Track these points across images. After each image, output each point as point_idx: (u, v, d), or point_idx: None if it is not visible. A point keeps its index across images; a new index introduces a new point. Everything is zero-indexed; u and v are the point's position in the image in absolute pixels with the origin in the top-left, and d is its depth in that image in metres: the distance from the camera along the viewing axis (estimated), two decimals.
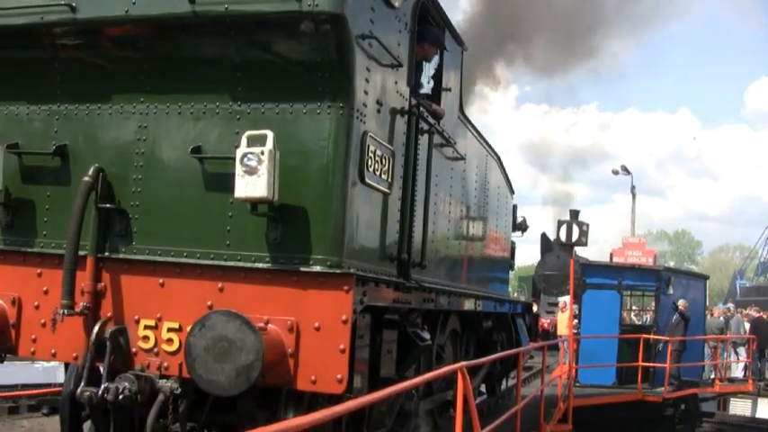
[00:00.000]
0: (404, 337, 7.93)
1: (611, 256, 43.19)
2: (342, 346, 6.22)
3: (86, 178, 6.94)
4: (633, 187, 50.35)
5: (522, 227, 16.44)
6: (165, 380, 6.64)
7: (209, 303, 6.54)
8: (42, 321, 7.10)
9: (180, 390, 6.57)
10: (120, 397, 6.52)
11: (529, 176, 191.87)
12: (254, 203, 6.42)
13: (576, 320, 24.08)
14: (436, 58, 9.38)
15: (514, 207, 15.66)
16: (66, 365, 8.36)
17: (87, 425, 8.01)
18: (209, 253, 6.69)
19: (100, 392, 6.60)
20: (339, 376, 6.21)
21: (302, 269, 6.39)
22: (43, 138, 7.35)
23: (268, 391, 6.70)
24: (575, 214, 16.11)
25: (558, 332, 30.71)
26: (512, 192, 15.00)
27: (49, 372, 17.36)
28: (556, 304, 30.54)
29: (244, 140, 6.37)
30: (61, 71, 7.32)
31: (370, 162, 6.83)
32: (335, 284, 6.30)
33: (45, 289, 7.13)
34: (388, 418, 8.68)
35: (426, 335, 8.48)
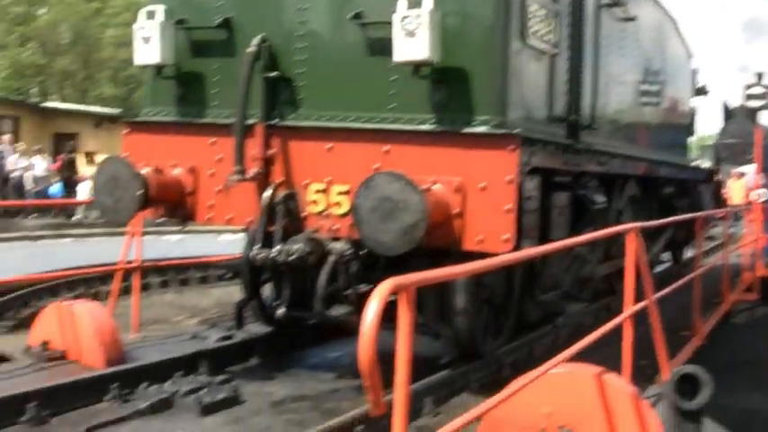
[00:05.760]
0: (577, 201, 7.80)
1: None
2: (508, 206, 6.18)
3: (251, 49, 7.03)
4: None
5: (703, 91, 15.77)
6: (335, 242, 6.79)
7: (375, 166, 6.58)
8: (217, 188, 7.33)
9: (351, 251, 6.71)
10: (291, 258, 6.71)
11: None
12: (416, 66, 6.38)
13: (765, 189, 23.01)
14: None
15: (694, 71, 15.01)
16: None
17: (267, 288, 8.28)
18: (375, 117, 6.72)
19: (272, 255, 6.82)
20: (506, 236, 6.18)
21: (466, 130, 6.35)
22: (209, 11, 7.45)
23: (439, 252, 6.75)
24: (759, 76, 15.24)
25: (732, 202, 29.52)
26: (690, 56, 14.36)
27: (232, 246, 17.97)
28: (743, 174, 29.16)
29: (403, 3, 6.30)
30: None
31: (532, 22, 6.65)
32: (500, 144, 6.22)
33: (219, 157, 7.31)
34: (563, 282, 8.59)
35: (600, 198, 8.30)
